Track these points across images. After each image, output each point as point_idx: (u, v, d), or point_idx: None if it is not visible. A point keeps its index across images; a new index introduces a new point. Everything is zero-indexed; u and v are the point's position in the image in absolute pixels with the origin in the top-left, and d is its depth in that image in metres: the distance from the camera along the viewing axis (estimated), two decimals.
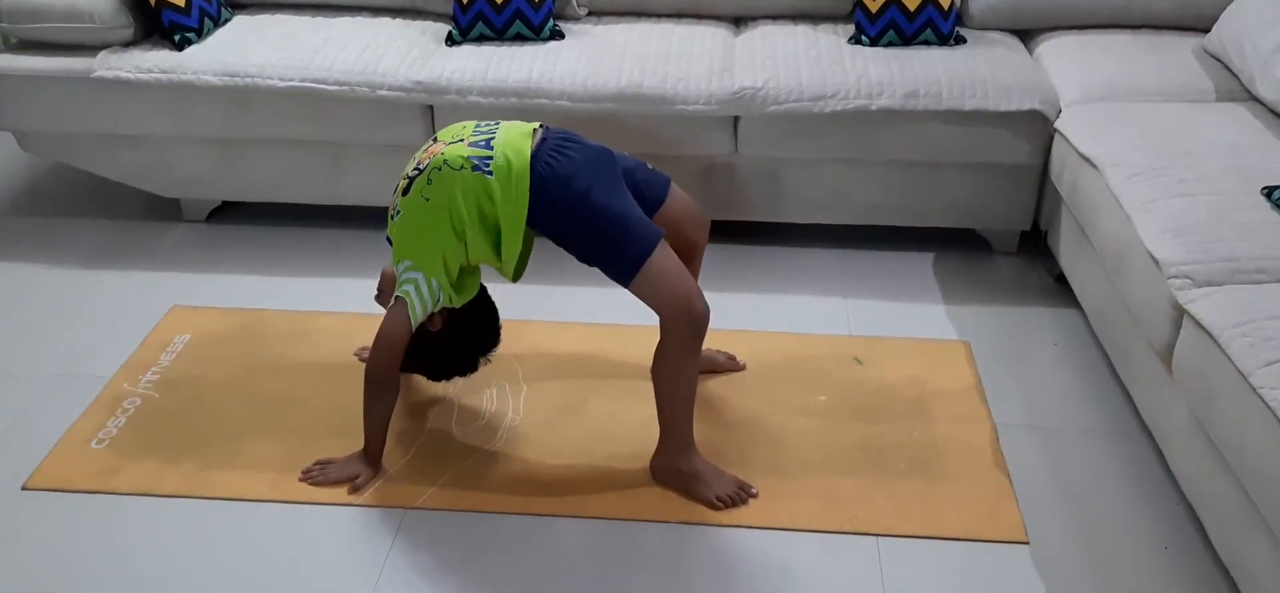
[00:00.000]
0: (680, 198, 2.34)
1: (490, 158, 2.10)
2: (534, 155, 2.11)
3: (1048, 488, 2.29)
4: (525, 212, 2.10)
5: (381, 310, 2.82)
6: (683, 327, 2.09)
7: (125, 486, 2.27)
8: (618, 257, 2.09)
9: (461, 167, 2.10)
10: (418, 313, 2.14)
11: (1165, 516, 2.22)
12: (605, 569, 2.09)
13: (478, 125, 2.21)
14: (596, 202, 2.10)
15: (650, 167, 2.34)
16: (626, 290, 2.12)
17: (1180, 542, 2.15)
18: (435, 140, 2.21)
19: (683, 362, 2.14)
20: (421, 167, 2.15)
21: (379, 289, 2.45)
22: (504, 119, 2.93)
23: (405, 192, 2.16)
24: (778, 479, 2.28)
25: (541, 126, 2.21)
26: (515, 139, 2.14)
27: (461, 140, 2.16)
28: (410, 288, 2.13)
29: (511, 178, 2.09)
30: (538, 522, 2.20)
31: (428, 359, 2.34)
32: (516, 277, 2.23)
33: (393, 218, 2.19)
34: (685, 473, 2.23)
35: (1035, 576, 2.07)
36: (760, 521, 2.19)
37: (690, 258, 2.34)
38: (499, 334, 2.42)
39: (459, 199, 2.10)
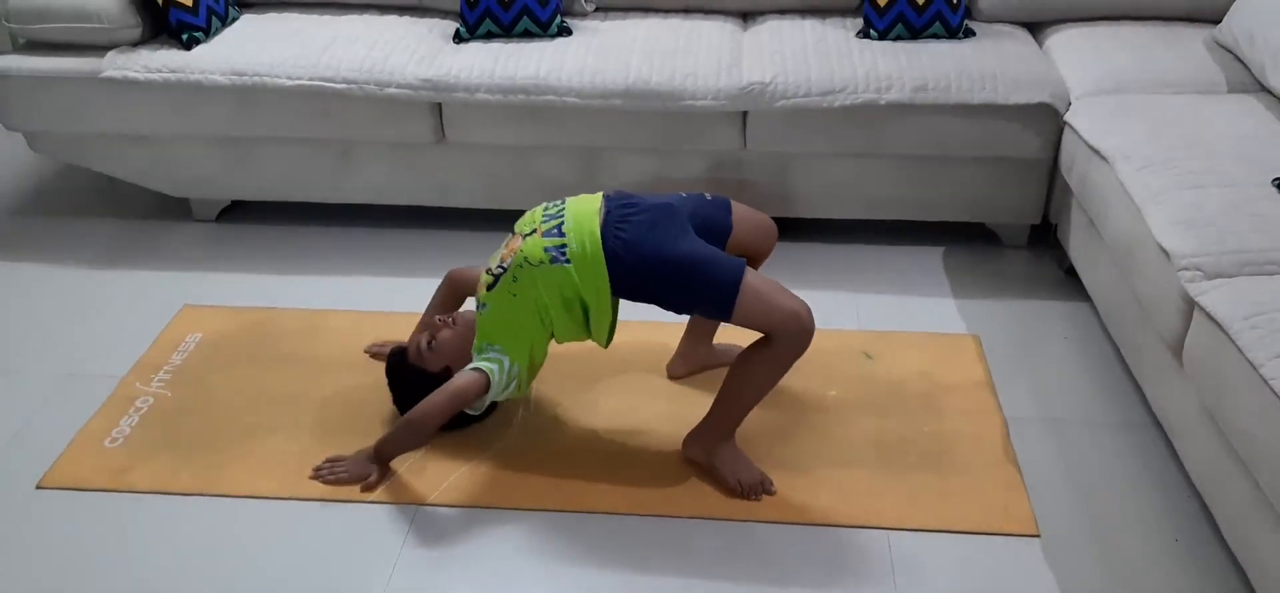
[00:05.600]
0: (745, 214, 2.38)
1: (565, 245, 2.16)
2: (603, 233, 2.15)
3: (1058, 481, 2.29)
4: (608, 288, 2.16)
5: (392, 307, 2.86)
6: (795, 340, 2.11)
7: (138, 484, 2.29)
8: (710, 299, 2.13)
9: (541, 262, 2.16)
10: (495, 390, 2.20)
11: (1176, 508, 2.21)
12: (617, 564, 2.10)
13: (546, 211, 2.26)
14: (671, 256, 2.13)
15: (708, 196, 2.36)
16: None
17: (1191, 534, 2.15)
18: (514, 234, 2.27)
19: (776, 370, 2.17)
20: (505, 265, 2.22)
21: (447, 288, 2.53)
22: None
23: (490, 286, 2.23)
24: (789, 474, 2.28)
25: (603, 196, 2.25)
26: (584, 220, 2.18)
27: (535, 231, 2.21)
28: (495, 367, 2.19)
29: (588, 261, 2.14)
30: (549, 518, 2.20)
31: (415, 396, 2.29)
32: (608, 342, 2.27)
33: (481, 310, 2.27)
34: (717, 454, 2.25)
35: (1046, 569, 2.07)
36: (772, 515, 2.19)
37: (756, 264, 2.39)
38: (481, 419, 2.41)
39: (543, 293, 2.17)
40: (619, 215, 2.18)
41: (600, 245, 2.14)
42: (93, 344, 2.77)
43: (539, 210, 2.28)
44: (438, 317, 2.41)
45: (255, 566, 2.10)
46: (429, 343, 2.33)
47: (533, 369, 2.28)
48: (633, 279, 2.15)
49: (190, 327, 2.82)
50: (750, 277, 2.11)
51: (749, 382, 2.20)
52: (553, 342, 2.28)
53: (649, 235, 2.15)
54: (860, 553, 2.11)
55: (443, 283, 2.56)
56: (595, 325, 2.21)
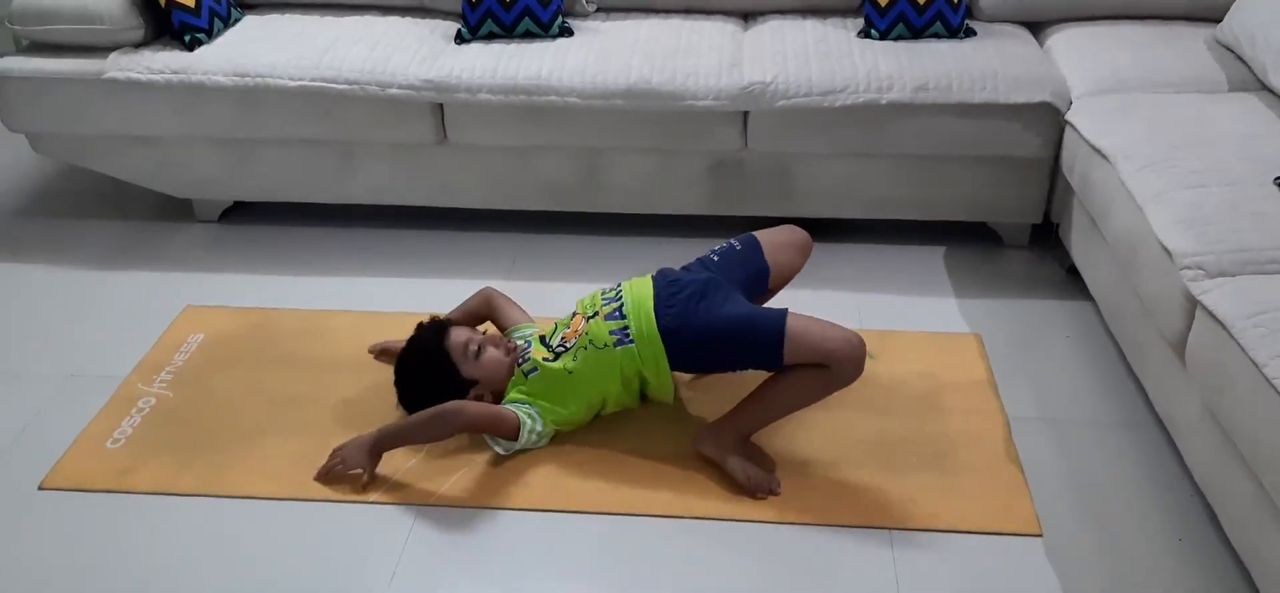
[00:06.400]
0: (774, 242, 2.47)
1: (627, 327, 2.28)
2: (656, 313, 2.27)
3: (1060, 481, 2.29)
4: (666, 363, 2.27)
5: (393, 308, 2.86)
6: (845, 369, 2.15)
7: (140, 485, 2.29)
8: (758, 354, 2.22)
9: (606, 345, 2.28)
10: (520, 442, 2.29)
11: (1179, 507, 2.21)
12: (617, 564, 2.10)
13: (604, 295, 2.38)
14: (717, 325, 2.24)
15: (738, 245, 2.45)
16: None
17: (1194, 533, 2.15)
18: (575, 314, 2.39)
19: (820, 393, 2.22)
20: (567, 344, 2.33)
21: (478, 305, 2.62)
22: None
23: (548, 359, 2.34)
24: (791, 474, 2.28)
25: (652, 279, 2.36)
26: (641, 301, 2.30)
27: (597, 313, 2.32)
28: (527, 420, 2.30)
29: (646, 340, 2.26)
30: (550, 518, 2.20)
31: (437, 389, 2.34)
32: (673, 398, 2.38)
33: (528, 374, 2.35)
34: (730, 451, 2.26)
35: (1049, 568, 2.07)
36: (774, 515, 2.19)
37: (790, 276, 2.51)
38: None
39: (606, 375, 2.29)
40: (667, 295, 2.29)
41: (655, 325, 2.25)
42: (95, 345, 2.78)
43: (598, 294, 2.40)
44: (500, 336, 2.49)
45: (257, 567, 2.10)
46: (478, 351, 2.36)
47: (557, 432, 2.36)
48: (687, 352, 2.27)
49: (192, 327, 2.83)
50: (793, 322, 2.16)
51: (788, 394, 2.23)
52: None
53: (697, 309, 2.25)
54: (862, 553, 2.11)
55: (477, 298, 2.64)
56: (658, 391, 2.33)
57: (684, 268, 2.42)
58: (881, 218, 3.17)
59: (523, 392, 2.34)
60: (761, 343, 2.18)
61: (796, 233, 2.51)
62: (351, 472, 2.26)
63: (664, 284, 2.32)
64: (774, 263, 2.44)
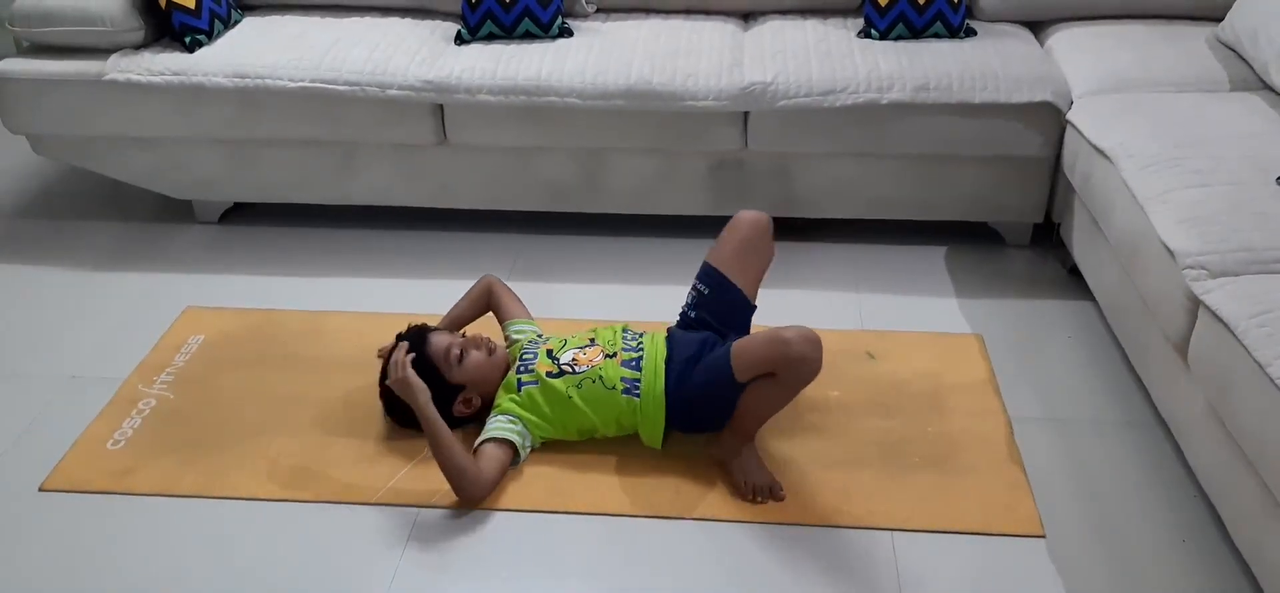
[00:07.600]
0: (728, 254, 2.42)
1: (639, 381, 2.29)
2: (666, 375, 2.28)
3: (1063, 481, 2.28)
4: (662, 425, 2.29)
5: (393, 309, 2.85)
6: (793, 370, 2.14)
7: (141, 486, 2.28)
8: (723, 393, 2.22)
9: (613, 387, 2.28)
10: (521, 456, 2.29)
11: (1182, 508, 2.21)
12: (616, 564, 2.09)
13: (625, 337, 2.38)
14: (695, 386, 2.26)
15: (704, 290, 2.40)
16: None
17: (1198, 534, 2.14)
18: (593, 342, 2.37)
19: (784, 395, 2.21)
20: (577, 369, 2.30)
21: (480, 295, 2.61)
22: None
23: (552, 375, 2.32)
24: (792, 475, 2.28)
25: (665, 338, 2.37)
26: (655, 357, 2.31)
27: (615, 354, 2.33)
28: (516, 438, 2.27)
29: (651, 401, 2.28)
30: (551, 519, 2.20)
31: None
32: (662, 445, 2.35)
33: (525, 384, 2.32)
34: (734, 453, 2.26)
35: (1051, 569, 2.06)
36: (775, 517, 2.18)
37: (764, 269, 2.47)
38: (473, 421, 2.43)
39: (605, 414, 2.29)
40: (670, 354, 2.31)
41: (664, 389, 2.27)
42: (95, 346, 2.77)
43: (620, 331, 2.40)
44: (482, 336, 2.44)
45: (258, 568, 2.09)
46: (460, 356, 2.34)
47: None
48: (682, 413, 2.28)
49: (193, 329, 2.82)
50: (738, 346, 2.20)
51: (761, 400, 2.22)
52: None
53: (690, 376, 2.27)
54: (864, 554, 2.10)
55: (479, 287, 2.62)
56: (649, 441, 2.32)
57: (679, 324, 2.43)
58: (882, 218, 3.17)
59: (514, 403, 2.32)
60: (721, 381, 2.20)
61: (744, 227, 2.43)
62: (392, 368, 2.27)
63: (671, 345, 2.34)
64: (744, 283, 2.40)
